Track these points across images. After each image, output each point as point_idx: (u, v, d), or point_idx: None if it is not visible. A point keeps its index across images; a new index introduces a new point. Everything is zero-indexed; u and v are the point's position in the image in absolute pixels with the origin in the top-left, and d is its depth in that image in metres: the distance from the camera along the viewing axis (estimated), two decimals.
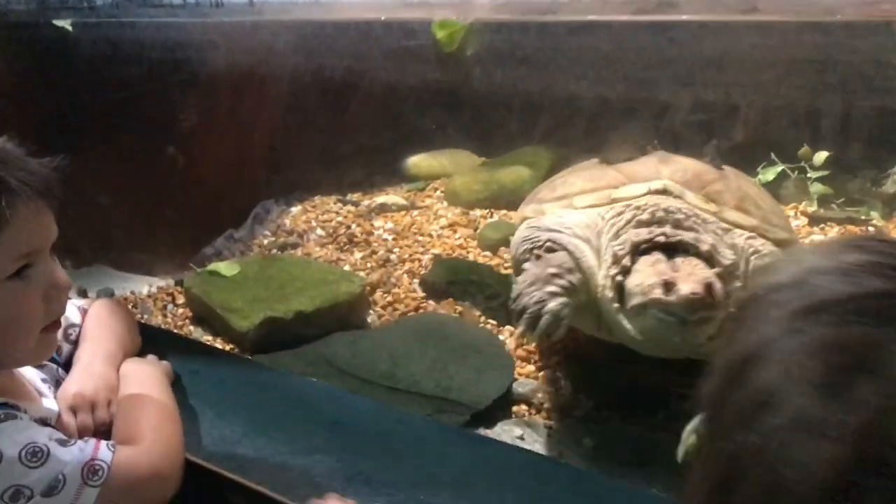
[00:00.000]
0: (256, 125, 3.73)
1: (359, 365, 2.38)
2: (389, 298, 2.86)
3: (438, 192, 3.78)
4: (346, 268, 3.07)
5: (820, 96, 3.96)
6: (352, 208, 3.61)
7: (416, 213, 3.52)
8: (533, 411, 2.27)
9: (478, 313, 2.71)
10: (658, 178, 2.02)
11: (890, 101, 3.87)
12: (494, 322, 2.64)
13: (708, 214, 1.95)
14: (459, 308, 2.74)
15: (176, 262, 3.48)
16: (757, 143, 3.84)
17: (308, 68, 3.46)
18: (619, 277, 1.85)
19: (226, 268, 2.88)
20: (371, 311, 2.79)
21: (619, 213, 1.95)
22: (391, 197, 3.64)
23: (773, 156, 3.56)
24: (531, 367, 2.45)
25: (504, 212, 3.45)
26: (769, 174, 3.57)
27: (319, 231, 3.39)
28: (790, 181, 3.56)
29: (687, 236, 1.83)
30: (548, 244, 1.98)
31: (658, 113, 4.31)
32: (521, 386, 2.34)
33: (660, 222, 1.89)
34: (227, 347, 2.63)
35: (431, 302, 2.81)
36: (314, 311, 2.59)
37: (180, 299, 3.05)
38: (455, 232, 3.29)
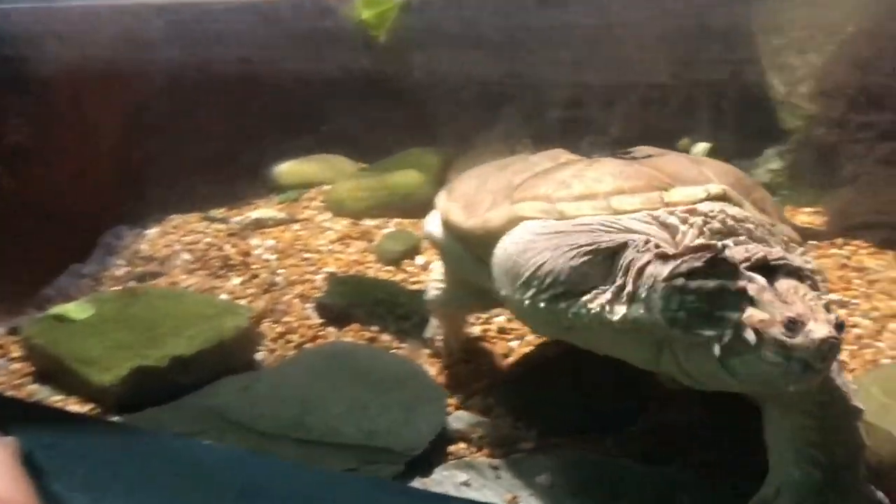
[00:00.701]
0: (104, 134, 3.18)
1: (258, 415, 1.99)
2: (280, 329, 2.47)
3: (317, 203, 3.41)
4: (224, 296, 2.64)
5: (697, 77, 3.91)
6: (220, 226, 3.18)
7: (297, 227, 3.14)
8: (474, 449, 1.96)
9: (390, 338, 2.37)
10: (706, 180, 1.69)
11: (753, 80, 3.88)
12: (410, 346, 2.31)
13: (767, 226, 1.68)
14: (368, 333, 2.38)
15: (6, 306, 2.90)
16: (633, 137, 3.75)
17: (185, 61, 2.96)
18: None
19: (76, 309, 2.39)
20: (260, 347, 2.38)
21: (683, 221, 1.61)
22: (265, 210, 3.24)
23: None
24: (460, 396, 2.14)
25: (398, 220, 3.13)
26: None
27: (185, 255, 2.94)
28: None
29: (775, 253, 1.53)
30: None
31: (533, 106, 4.15)
32: (457, 420, 2.03)
33: (731, 232, 1.59)
34: (86, 409, 2.18)
35: (332, 329, 2.47)
36: (195, 355, 2.17)
37: (16, 352, 2.51)
38: (348, 246, 2.94)
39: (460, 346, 2.30)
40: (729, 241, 1.50)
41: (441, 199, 2.04)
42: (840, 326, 1.37)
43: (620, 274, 1.48)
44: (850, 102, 3.03)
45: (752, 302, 1.39)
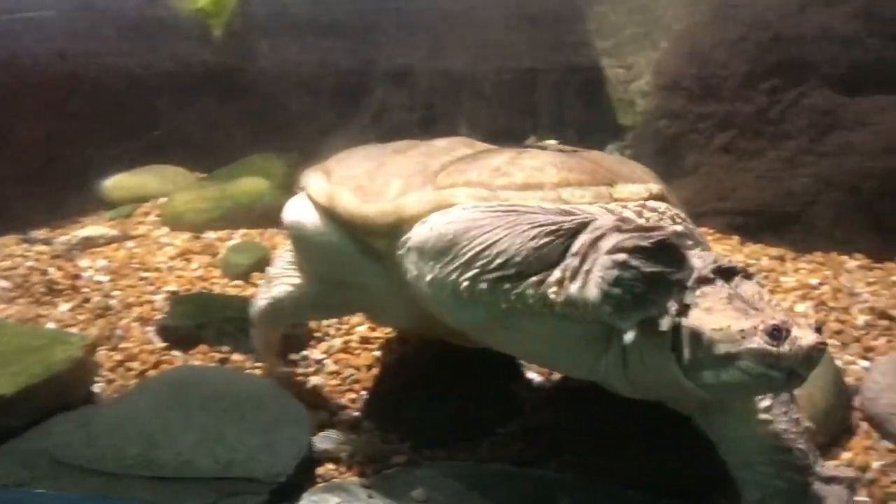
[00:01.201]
0: None
1: (99, 455, 1.79)
2: (119, 357, 2.25)
3: (153, 217, 3.16)
4: (52, 325, 2.37)
5: (536, 74, 3.95)
6: (43, 248, 2.88)
7: (132, 244, 2.89)
8: (343, 469, 1.84)
9: (242, 357, 2.20)
10: (641, 178, 1.65)
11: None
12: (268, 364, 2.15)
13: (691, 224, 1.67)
14: (219, 354, 2.20)
15: None
16: (483, 137, 3.75)
17: None
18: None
19: None
20: (97, 378, 2.14)
21: (639, 216, 1.54)
22: (95, 228, 2.97)
23: None
24: (324, 414, 1.99)
25: (244, 231, 2.93)
26: None
27: (2, 283, 2.62)
28: None
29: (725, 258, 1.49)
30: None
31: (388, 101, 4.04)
32: (324, 440, 1.90)
33: (683, 235, 1.54)
34: None
35: (177, 352, 2.28)
36: (20, 393, 1.91)
37: None
38: (190, 261, 2.73)
39: (277, 360, 2.17)
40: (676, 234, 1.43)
41: (316, 182, 1.83)
42: (819, 330, 1.33)
43: (573, 252, 1.40)
44: (688, 95, 3.12)
45: (681, 296, 1.34)
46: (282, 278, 2.00)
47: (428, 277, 1.55)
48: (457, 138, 1.84)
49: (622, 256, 1.33)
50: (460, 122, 3.95)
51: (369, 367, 2.17)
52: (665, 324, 1.33)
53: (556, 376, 2.02)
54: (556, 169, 1.57)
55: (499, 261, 1.44)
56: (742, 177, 2.93)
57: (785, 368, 1.30)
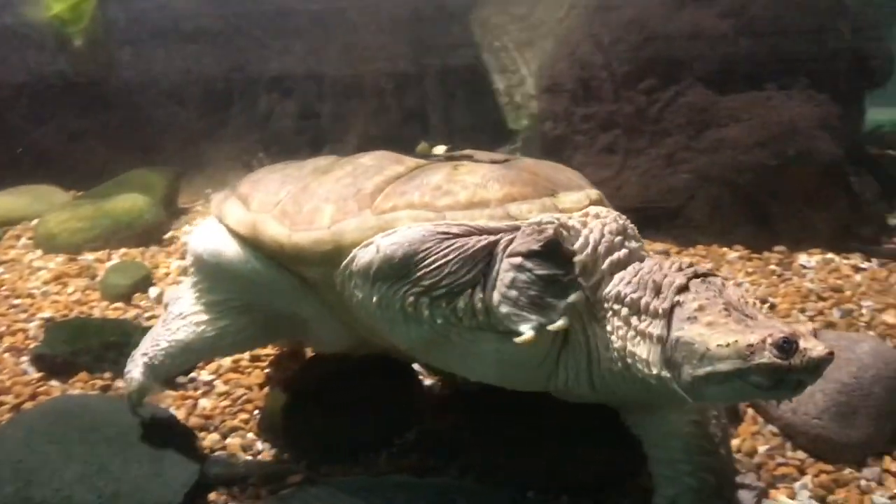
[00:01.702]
0: None
1: None
2: None
3: (24, 240, 2.99)
4: None
5: (424, 81, 3.95)
6: None
7: (0, 270, 2.71)
8: (237, 492, 1.78)
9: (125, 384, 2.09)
10: (577, 185, 1.64)
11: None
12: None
13: None
14: (100, 382, 2.10)
15: None
16: (371, 148, 3.72)
17: None
18: (660, 332, 1.38)
19: None
20: None
21: (583, 226, 1.51)
22: None
23: None
24: (215, 436, 1.92)
25: (124, 251, 2.80)
26: None
27: None
28: None
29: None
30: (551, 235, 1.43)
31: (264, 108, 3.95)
32: (216, 464, 1.83)
33: (622, 232, 1.52)
34: None
35: (55, 382, 2.17)
36: None
37: None
38: (66, 285, 2.60)
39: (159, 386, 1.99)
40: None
41: (233, 210, 1.74)
42: (818, 335, 1.33)
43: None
44: (570, 97, 3.17)
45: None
46: (187, 319, 1.83)
47: (375, 298, 1.51)
48: (382, 153, 1.76)
49: (517, 259, 1.35)
50: (347, 128, 3.90)
51: (262, 386, 2.11)
52: (557, 325, 1.34)
53: (455, 381, 2.01)
54: (499, 184, 1.55)
55: (436, 278, 1.43)
56: (626, 175, 3.00)
57: (793, 380, 1.30)
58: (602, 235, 1.47)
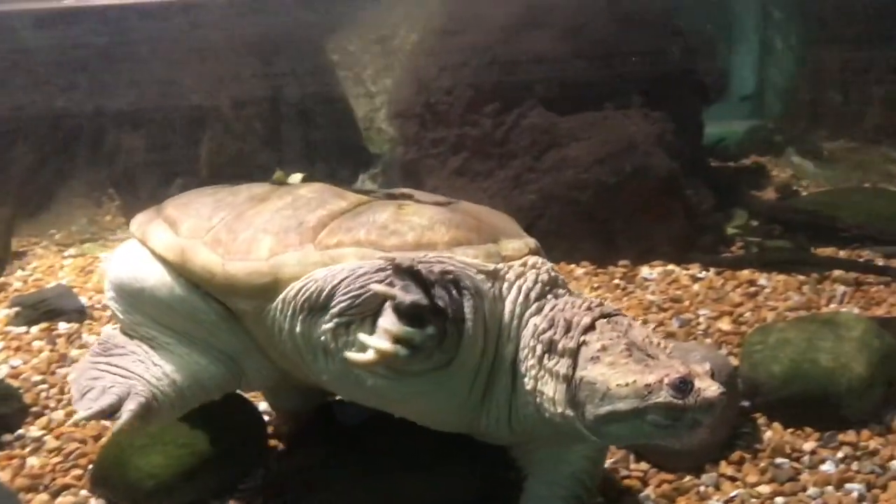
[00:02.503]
0: None
1: None
2: None
3: None
4: None
5: (280, 106, 3.89)
6: None
7: None
8: None
9: None
10: (514, 230, 1.65)
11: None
12: None
13: None
14: None
15: None
16: (225, 175, 3.65)
17: None
18: (566, 371, 1.40)
19: None
20: None
21: (519, 276, 1.51)
22: None
23: None
24: (44, 497, 1.81)
25: None
26: None
27: None
28: None
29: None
30: (447, 276, 1.40)
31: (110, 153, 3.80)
32: None
33: (554, 282, 1.54)
34: None
35: None
36: None
37: None
38: None
39: None
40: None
41: (159, 234, 1.66)
42: (713, 375, 1.37)
43: None
44: (420, 121, 3.19)
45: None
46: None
47: (298, 329, 1.49)
48: (321, 185, 1.73)
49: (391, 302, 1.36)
50: (199, 159, 3.78)
51: (97, 438, 1.99)
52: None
53: (300, 421, 1.95)
54: (446, 227, 1.54)
55: (342, 305, 1.43)
56: (476, 197, 3.02)
57: (689, 419, 1.34)
58: (534, 284, 1.50)
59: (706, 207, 3.11)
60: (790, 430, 1.98)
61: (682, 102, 3.33)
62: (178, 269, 1.62)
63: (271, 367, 1.68)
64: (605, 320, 1.43)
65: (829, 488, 1.81)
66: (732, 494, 1.79)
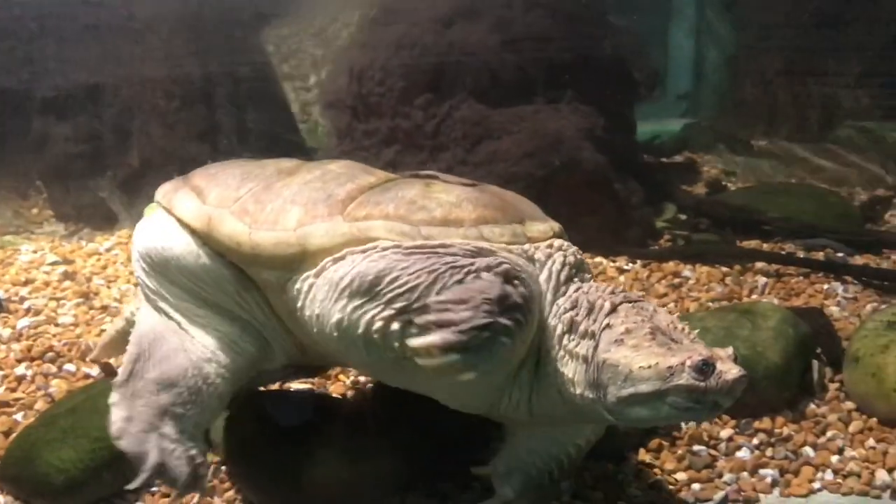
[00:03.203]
0: None
1: None
2: None
3: None
4: None
5: (213, 98, 3.83)
6: None
7: None
8: None
9: None
10: (537, 214, 1.63)
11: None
12: None
13: None
14: None
15: None
16: (155, 166, 3.58)
17: None
18: (586, 352, 1.43)
19: None
20: None
21: (548, 257, 1.52)
22: None
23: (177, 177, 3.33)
24: None
25: None
26: None
27: None
28: None
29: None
30: (508, 269, 1.42)
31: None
32: None
33: (580, 265, 1.55)
34: None
35: None
36: None
37: None
38: None
39: None
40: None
41: (186, 202, 1.64)
42: (737, 359, 1.39)
43: None
44: (352, 113, 3.16)
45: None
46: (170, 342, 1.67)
47: (336, 317, 1.44)
48: (349, 162, 1.71)
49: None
50: (130, 149, 3.70)
51: (7, 434, 1.92)
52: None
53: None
54: (473, 205, 1.53)
55: (417, 305, 1.38)
56: None
57: (710, 401, 1.36)
58: (562, 267, 1.51)
59: (636, 201, 3.15)
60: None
61: (614, 98, 3.36)
62: (204, 238, 1.61)
63: (290, 342, 1.68)
64: (630, 304, 1.46)
65: (744, 474, 1.85)
66: (651, 482, 1.82)
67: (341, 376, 2.16)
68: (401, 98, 3.04)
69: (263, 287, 1.59)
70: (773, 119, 4.73)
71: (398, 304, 1.38)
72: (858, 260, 2.96)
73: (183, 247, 1.64)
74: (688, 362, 1.35)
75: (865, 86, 4.39)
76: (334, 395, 2.10)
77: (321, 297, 1.47)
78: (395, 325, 1.38)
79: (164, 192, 1.73)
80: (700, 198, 3.62)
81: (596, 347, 1.42)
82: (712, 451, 1.92)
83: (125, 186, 3.60)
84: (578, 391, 1.43)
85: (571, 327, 1.45)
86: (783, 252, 3.01)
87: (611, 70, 3.40)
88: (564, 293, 1.49)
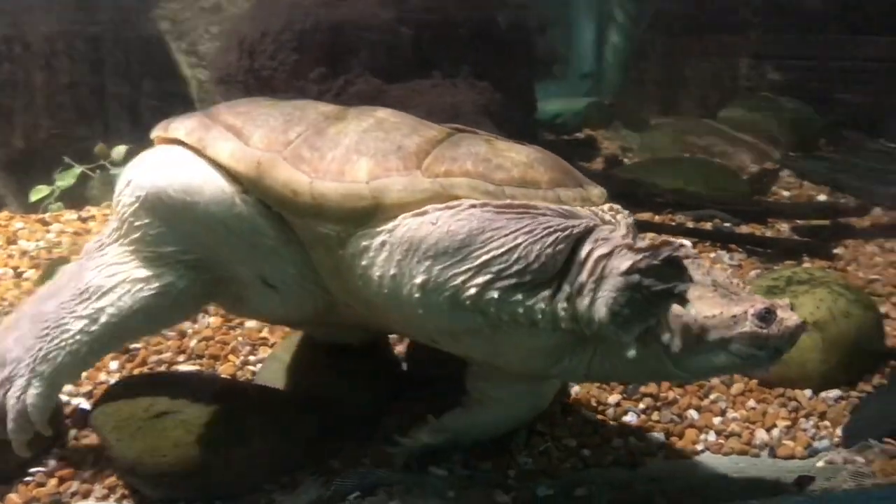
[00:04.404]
0: None
1: None
2: None
3: None
4: None
5: (103, 78, 3.69)
6: None
7: None
8: None
9: None
10: (581, 175, 1.57)
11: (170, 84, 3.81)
12: None
13: None
14: None
15: None
16: (42, 147, 3.42)
17: None
18: None
19: None
20: None
21: (614, 219, 1.49)
22: None
23: (66, 159, 3.22)
24: None
25: None
26: (67, 178, 3.22)
27: None
28: (94, 182, 3.27)
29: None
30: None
31: None
32: None
33: (636, 230, 1.51)
34: None
35: None
36: None
37: None
38: None
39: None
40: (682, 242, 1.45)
41: (226, 143, 1.49)
42: (793, 307, 1.43)
43: (580, 262, 1.37)
44: (243, 88, 3.08)
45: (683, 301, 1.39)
46: (115, 280, 1.57)
47: (419, 279, 1.37)
48: (398, 112, 1.59)
49: (636, 278, 1.33)
50: (12, 129, 3.53)
51: None
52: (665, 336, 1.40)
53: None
54: (543, 167, 1.49)
55: (516, 267, 1.35)
56: None
57: (771, 348, 1.41)
58: (626, 230, 1.46)
59: None
60: (597, 383, 2.04)
61: (512, 74, 3.37)
62: (250, 184, 1.48)
63: (317, 300, 1.59)
64: (689, 261, 1.46)
65: (632, 438, 1.88)
66: (541, 449, 1.83)
67: (231, 356, 2.11)
68: (294, 72, 2.97)
69: (311, 242, 1.49)
70: (669, 97, 4.86)
71: (495, 267, 1.34)
72: (745, 229, 3.06)
73: (214, 192, 1.50)
74: (751, 310, 1.40)
75: (756, 64, 4.56)
76: (223, 375, 2.05)
77: (398, 257, 1.39)
78: (493, 292, 1.35)
79: (186, 128, 1.55)
80: (596, 172, 3.67)
81: None
82: (601, 417, 1.95)
83: (10, 168, 3.44)
84: (647, 346, 1.43)
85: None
86: (673, 223, 3.09)
87: (510, 47, 3.41)
88: None
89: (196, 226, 1.53)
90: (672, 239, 1.43)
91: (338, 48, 2.97)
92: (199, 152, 1.52)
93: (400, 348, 2.09)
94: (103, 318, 1.57)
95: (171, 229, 1.56)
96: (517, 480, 1.72)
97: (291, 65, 2.97)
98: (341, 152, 1.46)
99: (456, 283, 1.36)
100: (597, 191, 1.54)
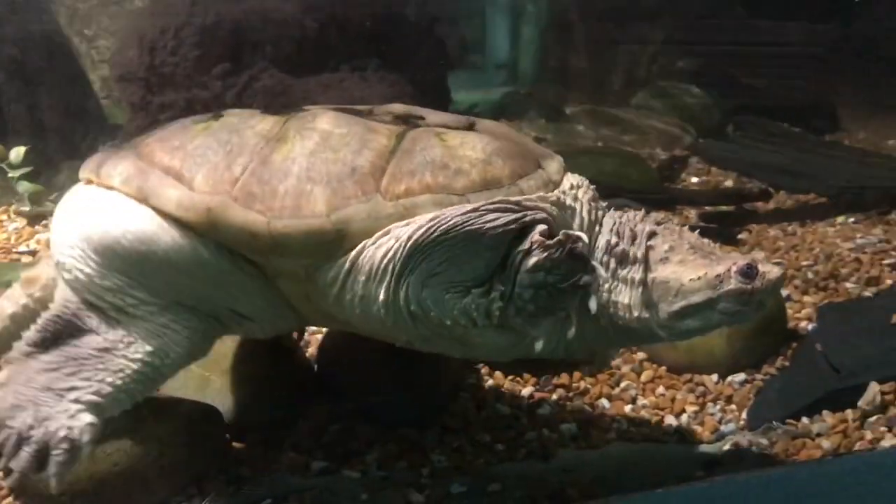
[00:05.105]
0: None
1: None
2: None
3: None
4: None
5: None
6: None
7: None
8: None
9: None
10: (537, 147, 1.61)
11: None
12: None
13: None
14: None
15: None
16: None
17: None
18: (640, 276, 1.48)
19: None
20: None
21: (574, 199, 1.50)
22: None
23: None
24: None
25: None
26: None
27: None
28: None
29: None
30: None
31: None
32: None
33: (596, 197, 1.55)
34: None
35: None
36: None
37: None
38: None
39: None
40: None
41: (163, 188, 1.41)
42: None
43: (509, 263, 1.39)
44: (145, 85, 2.98)
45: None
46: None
47: (381, 297, 1.39)
48: (334, 114, 1.51)
49: (540, 276, 1.36)
50: None
51: None
52: (572, 321, 1.44)
53: None
54: (502, 159, 1.47)
55: (451, 271, 1.38)
56: None
57: (755, 302, 1.46)
58: (588, 206, 1.51)
59: None
60: (510, 377, 2.04)
61: (422, 66, 3.35)
62: (203, 231, 1.40)
63: (294, 320, 1.59)
64: (662, 226, 1.52)
65: (545, 430, 1.89)
66: (455, 446, 1.82)
67: None
68: (196, 68, 2.89)
69: (278, 276, 1.45)
70: (583, 86, 4.92)
71: (435, 274, 1.38)
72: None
73: (170, 241, 1.42)
74: (733, 268, 1.45)
75: (666, 52, 4.65)
76: None
77: (363, 278, 1.39)
78: (429, 297, 1.38)
79: (122, 176, 1.45)
80: None
81: (647, 269, 1.48)
82: (515, 410, 1.95)
83: None
84: (636, 314, 1.48)
85: (623, 257, 1.49)
86: None
87: (419, 38, 3.39)
88: (601, 231, 1.52)
89: (154, 271, 1.46)
90: (571, 232, 1.40)
91: (241, 43, 2.91)
92: (144, 202, 1.44)
93: (311, 350, 2.05)
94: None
95: (118, 274, 1.47)
96: (431, 479, 1.72)
97: (193, 61, 2.89)
98: (293, 183, 1.40)
99: (408, 294, 1.39)
100: (555, 164, 1.55)
